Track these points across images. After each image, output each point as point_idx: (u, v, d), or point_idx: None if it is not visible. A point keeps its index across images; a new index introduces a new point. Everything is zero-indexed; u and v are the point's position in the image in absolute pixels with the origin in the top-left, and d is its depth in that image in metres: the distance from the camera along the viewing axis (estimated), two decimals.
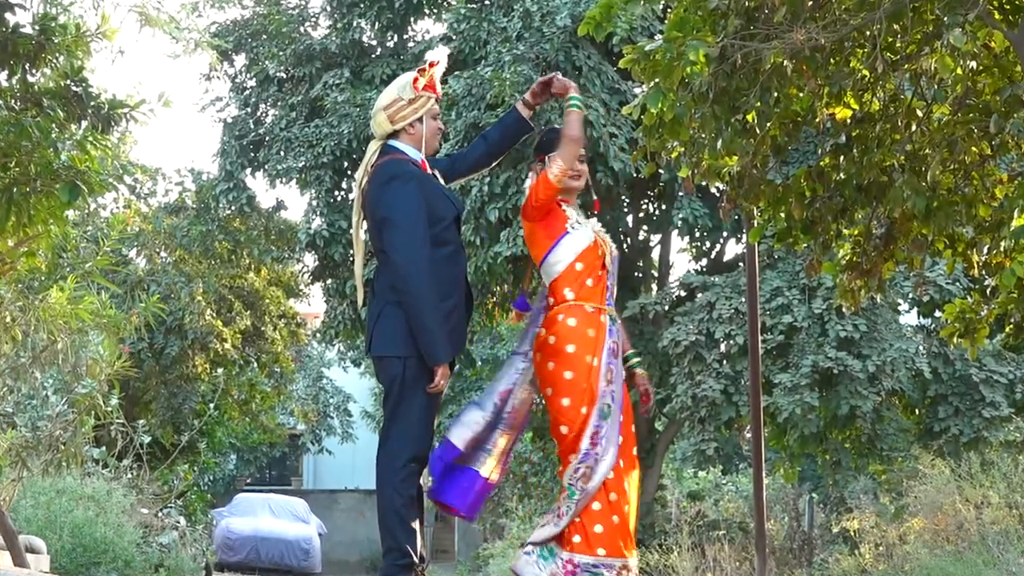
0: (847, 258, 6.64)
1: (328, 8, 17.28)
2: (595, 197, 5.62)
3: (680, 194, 15.11)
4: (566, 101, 5.26)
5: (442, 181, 5.36)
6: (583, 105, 5.30)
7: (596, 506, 5.05)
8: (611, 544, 5.04)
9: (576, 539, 5.05)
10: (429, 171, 5.25)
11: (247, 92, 17.73)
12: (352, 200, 16.85)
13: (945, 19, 4.86)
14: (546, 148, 5.31)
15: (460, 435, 5.17)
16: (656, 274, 17.77)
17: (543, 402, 5.23)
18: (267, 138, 17.01)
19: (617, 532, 5.06)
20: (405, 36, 17.31)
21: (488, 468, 5.21)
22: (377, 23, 16.94)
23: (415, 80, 5.22)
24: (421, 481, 5.12)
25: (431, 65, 5.27)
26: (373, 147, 5.26)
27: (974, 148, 5.86)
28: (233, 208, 18.18)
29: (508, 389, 5.26)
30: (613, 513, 5.06)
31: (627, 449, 5.19)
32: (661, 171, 14.40)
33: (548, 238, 5.23)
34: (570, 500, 5.04)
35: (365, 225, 5.27)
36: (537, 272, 5.34)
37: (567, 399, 5.05)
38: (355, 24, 16.78)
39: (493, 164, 5.73)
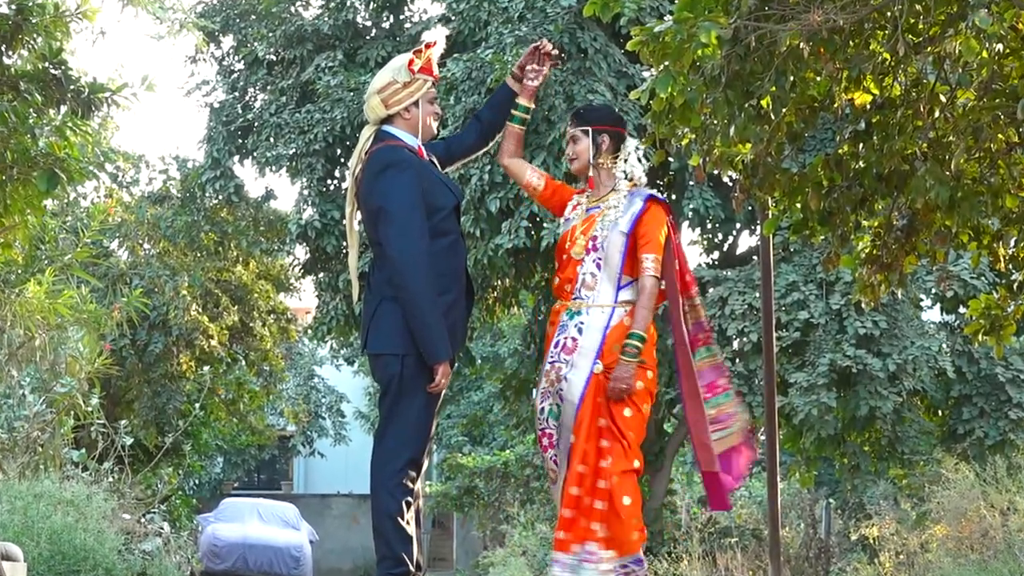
0: (866, 251, 6.64)
1: None
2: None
3: (691, 184, 15.10)
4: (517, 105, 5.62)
5: (440, 167, 5.36)
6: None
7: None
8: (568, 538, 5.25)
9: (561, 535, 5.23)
10: (426, 158, 5.24)
11: (235, 75, 17.72)
12: (345, 189, 16.87)
13: None
14: (621, 123, 5.52)
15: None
16: None
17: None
18: (256, 124, 16.99)
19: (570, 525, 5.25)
20: (401, 16, 17.30)
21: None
22: (372, 3, 16.94)
23: (411, 62, 5.21)
24: (417, 486, 5.12)
25: (428, 46, 5.27)
26: (367, 133, 5.26)
27: (1000, 135, 5.85)
28: (220, 198, 18.16)
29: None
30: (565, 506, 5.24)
31: (580, 448, 5.28)
32: (671, 159, 14.38)
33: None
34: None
35: (359, 216, 5.27)
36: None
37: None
38: (349, 4, 16.75)
39: (490, 144, 5.74)
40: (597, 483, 5.23)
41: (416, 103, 5.22)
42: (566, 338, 5.35)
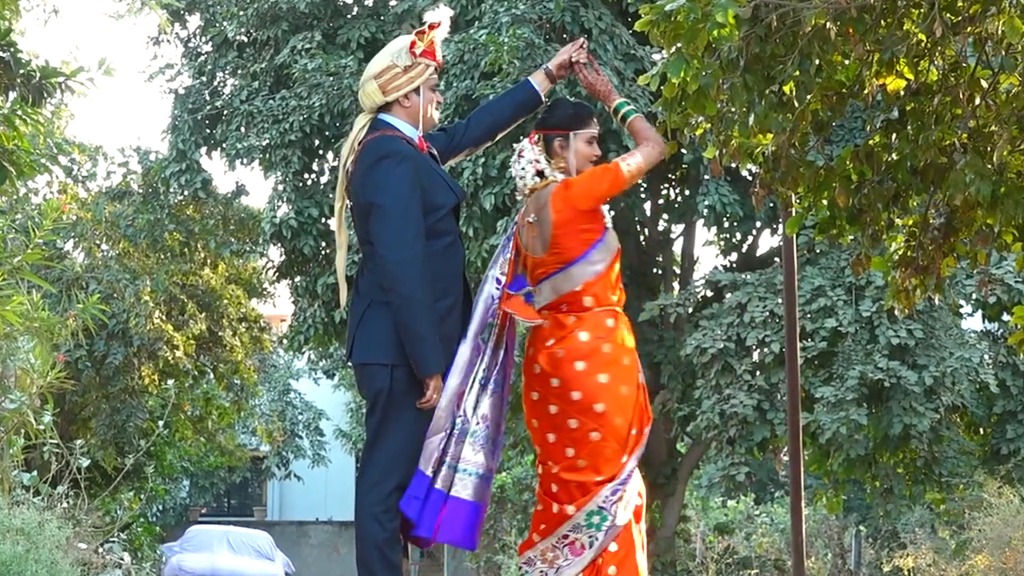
0: (900, 252, 6.64)
1: None
2: None
3: (706, 178, 15.11)
4: (615, 110, 5.40)
5: (440, 160, 5.35)
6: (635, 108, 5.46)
7: (635, 532, 5.18)
8: None
9: None
10: (427, 150, 5.24)
11: (202, 58, 17.72)
12: (325, 184, 16.93)
13: None
14: (582, 125, 5.34)
15: (425, 457, 5.13)
16: (678, 271, 17.77)
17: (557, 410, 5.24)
18: (225, 112, 17.00)
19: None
20: None
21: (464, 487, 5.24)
22: None
23: (412, 44, 5.20)
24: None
25: (431, 28, 5.26)
26: (362, 121, 5.25)
27: None
28: (186, 193, 18.16)
29: (461, 391, 5.19)
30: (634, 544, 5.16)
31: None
32: (684, 151, 14.42)
33: (589, 232, 5.26)
34: (597, 529, 5.09)
35: (349, 211, 5.27)
36: (523, 266, 5.36)
37: (620, 418, 5.15)
38: None
39: (494, 141, 5.74)
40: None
41: (417, 90, 5.21)
42: None
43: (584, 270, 5.24)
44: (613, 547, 5.13)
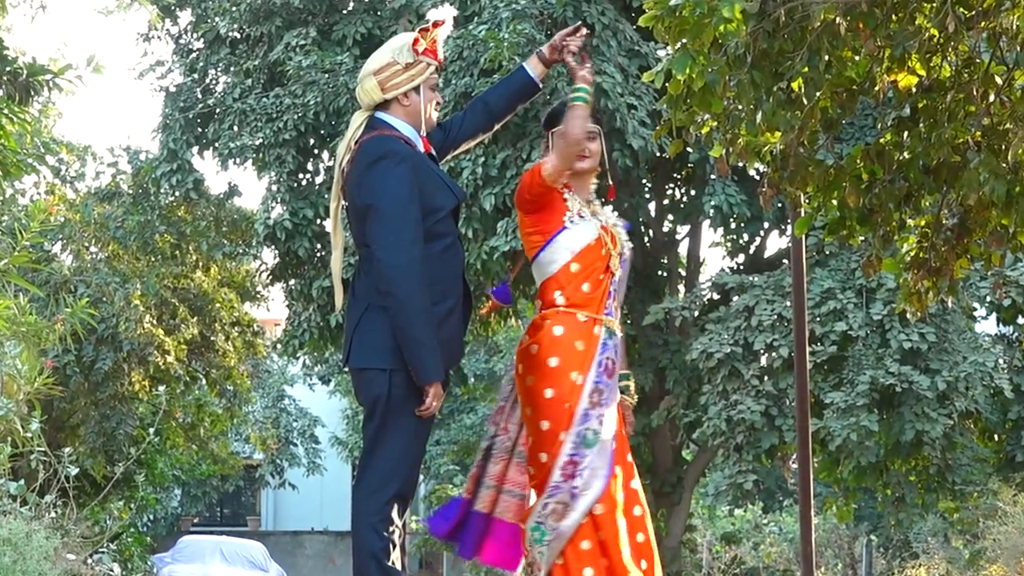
0: (912, 254, 6.64)
1: None
2: (610, 182, 5.61)
3: (712, 178, 15.11)
4: (572, 90, 5.29)
5: (437, 157, 5.36)
6: (590, 99, 5.33)
7: (585, 545, 5.10)
8: None
9: None
10: (428, 151, 5.25)
11: (193, 55, 17.73)
12: (320, 184, 16.93)
13: None
14: (556, 122, 5.35)
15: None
16: (684, 273, 17.77)
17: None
18: (218, 110, 17.01)
19: None
20: None
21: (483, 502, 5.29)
22: None
23: (415, 42, 5.21)
24: (401, 521, 5.12)
25: (435, 25, 5.27)
26: (358, 119, 5.25)
27: None
28: (177, 194, 18.18)
29: (501, 406, 5.34)
30: (603, 556, 5.10)
31: (625, 483, 5.23)
32: (689, 150, 14.43)
33: (541, 233, 5.32)
34: (540, 544, 5.09)
35: (345, 213, 5.27)
36: (529, 264, 5.41)
37: (546, 422, 5.15)
38: None
39: (492, 132, 5.74)
40: (633, 510, 5.26)
41: (417, 89, 5.21)
42: (608, 359, 5.29)
43: (539, 270, 5.34)
44: (559, 561, 5.11)
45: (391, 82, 5.20)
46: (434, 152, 5.33)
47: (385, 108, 5.21)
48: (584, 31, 5.50)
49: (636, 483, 5.32)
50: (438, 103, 5.31)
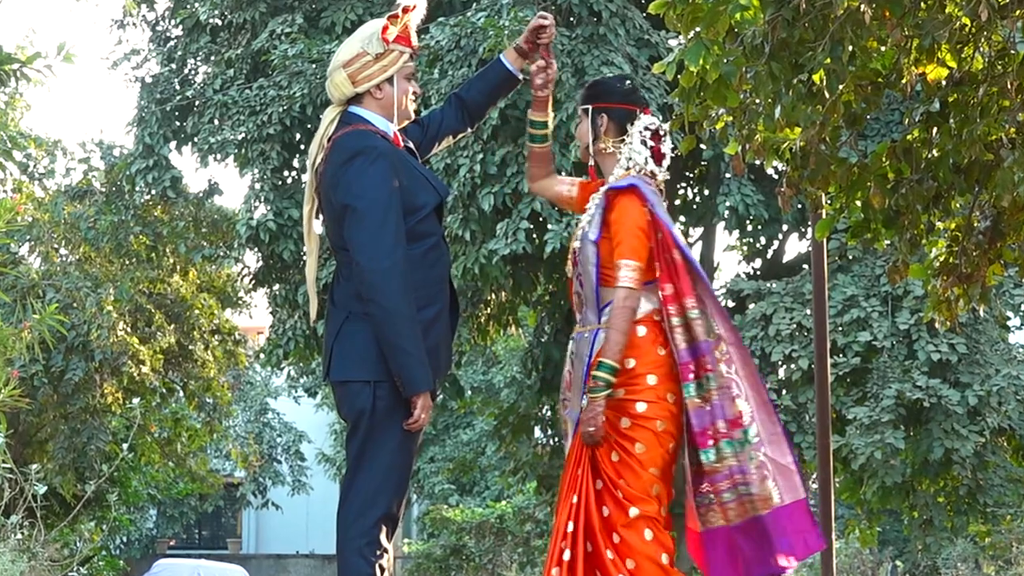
0: (941, 259, 6.65)
1: None
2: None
3: (727, 176, 15.11)
4: (528, 124, 5.60)
5: (417, 156, 5.35)
6: (549, 140, 5.61)
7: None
8: None
9: None
10: (403, 146, 5.24)
11: (171, 43, 17.74)
12: (305, 183, 16.87)
13: None
14: (601, 98, 5.44)
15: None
16: None
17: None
18: (197, 102, 17.01)
19: None
20: None
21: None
22: None
23: (384, 29, 5.21)
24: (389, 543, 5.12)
25: (405, 11, 5.27)
26: (330, 115, 5.26)
27: None
28: (153, 192, 18.16)
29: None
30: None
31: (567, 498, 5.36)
32: (703, 146, 14.43)
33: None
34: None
35: (321, 215, 5.27)
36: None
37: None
38: None
39: (474, 128, 5.74)
40: (611, 536, 5.27)
41: (390, 80, 5.22)
42: (567, 371, 5.44)
43: None
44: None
45: (362, 74, 5.20)
46: (412, 147, 5.32)
47: (357, 102, 5.22)
48: (550, 21, 5.45)
49: (599, 484, 5.36)
50: (415, 93, 5.29)
